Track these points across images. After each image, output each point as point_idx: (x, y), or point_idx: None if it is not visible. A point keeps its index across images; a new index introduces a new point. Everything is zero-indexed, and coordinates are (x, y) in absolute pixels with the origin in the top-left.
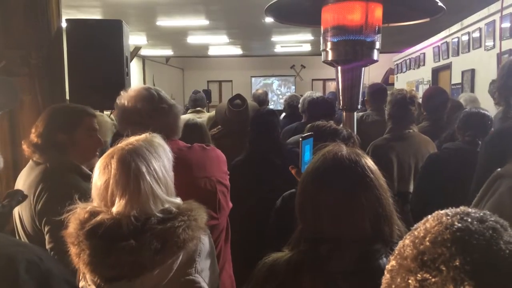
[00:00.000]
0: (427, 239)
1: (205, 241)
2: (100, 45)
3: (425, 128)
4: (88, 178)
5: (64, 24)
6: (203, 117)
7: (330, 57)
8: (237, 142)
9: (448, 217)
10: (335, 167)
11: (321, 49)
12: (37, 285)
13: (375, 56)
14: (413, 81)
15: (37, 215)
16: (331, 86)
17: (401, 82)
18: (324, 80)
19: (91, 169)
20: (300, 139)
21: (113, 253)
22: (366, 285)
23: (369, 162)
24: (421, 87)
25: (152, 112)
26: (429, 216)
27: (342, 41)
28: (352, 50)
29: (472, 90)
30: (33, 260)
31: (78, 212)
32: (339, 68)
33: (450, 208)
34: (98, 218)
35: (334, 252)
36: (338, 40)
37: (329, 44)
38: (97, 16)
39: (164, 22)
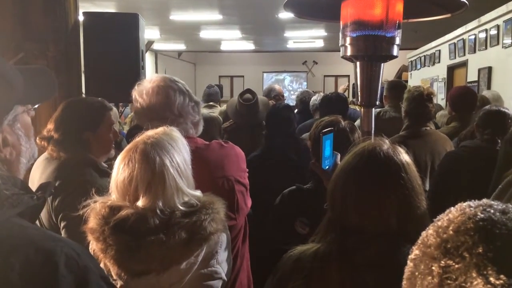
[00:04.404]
0: (451, 228)
1: (224, 233)
2: (116, 38)
3: (457, 128)
4: (103, 173)
5: (81, 17)
6: (216, 111)
7: (349, 52)
8: (249, 135)
9: (471, 208)
10: (370, 161)
11: (339, 44)
12: (75, 280)
13: (395, 52)
14: (427, 78)
15: (54, 211)
16: (340, 87)
17: (415, 79)
18: (336, 77)
19: (106, 161)
20: (321, 134)
21: (143, 248)
22: (391, 278)
23: (406, 160)
24: (436, 85)
25: (183, 109)
26: (452, 208)
27: (361, 36)
28: (372, 45)
29: (489, 88)
30: (72, 255)
31: (98, 207)
32: (357, 63)
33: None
34: (123, 212)
35: (360, 244)
36: (357, 35)
37: (348, 39)
38: (111, 9)
39: (177, 16)
